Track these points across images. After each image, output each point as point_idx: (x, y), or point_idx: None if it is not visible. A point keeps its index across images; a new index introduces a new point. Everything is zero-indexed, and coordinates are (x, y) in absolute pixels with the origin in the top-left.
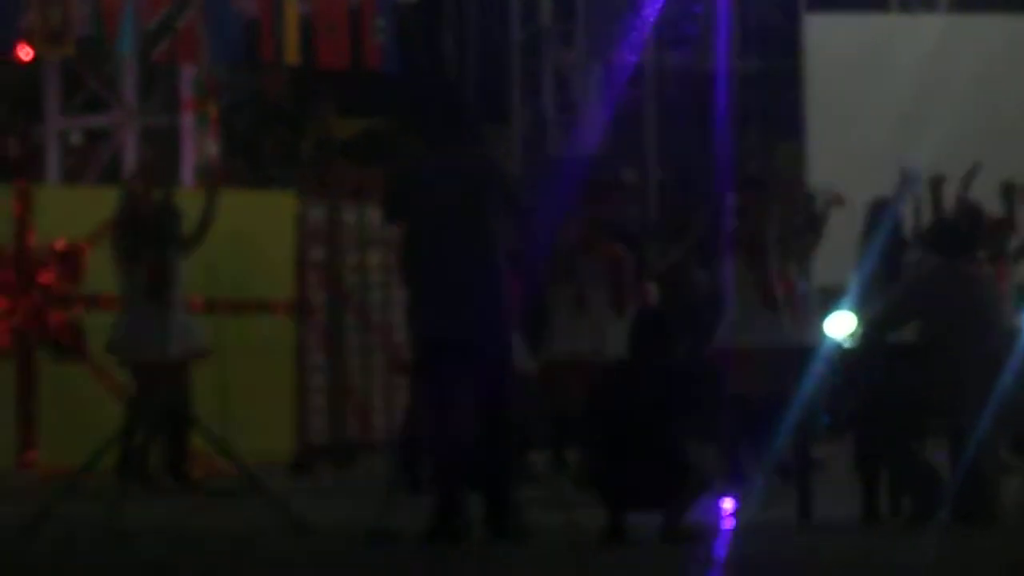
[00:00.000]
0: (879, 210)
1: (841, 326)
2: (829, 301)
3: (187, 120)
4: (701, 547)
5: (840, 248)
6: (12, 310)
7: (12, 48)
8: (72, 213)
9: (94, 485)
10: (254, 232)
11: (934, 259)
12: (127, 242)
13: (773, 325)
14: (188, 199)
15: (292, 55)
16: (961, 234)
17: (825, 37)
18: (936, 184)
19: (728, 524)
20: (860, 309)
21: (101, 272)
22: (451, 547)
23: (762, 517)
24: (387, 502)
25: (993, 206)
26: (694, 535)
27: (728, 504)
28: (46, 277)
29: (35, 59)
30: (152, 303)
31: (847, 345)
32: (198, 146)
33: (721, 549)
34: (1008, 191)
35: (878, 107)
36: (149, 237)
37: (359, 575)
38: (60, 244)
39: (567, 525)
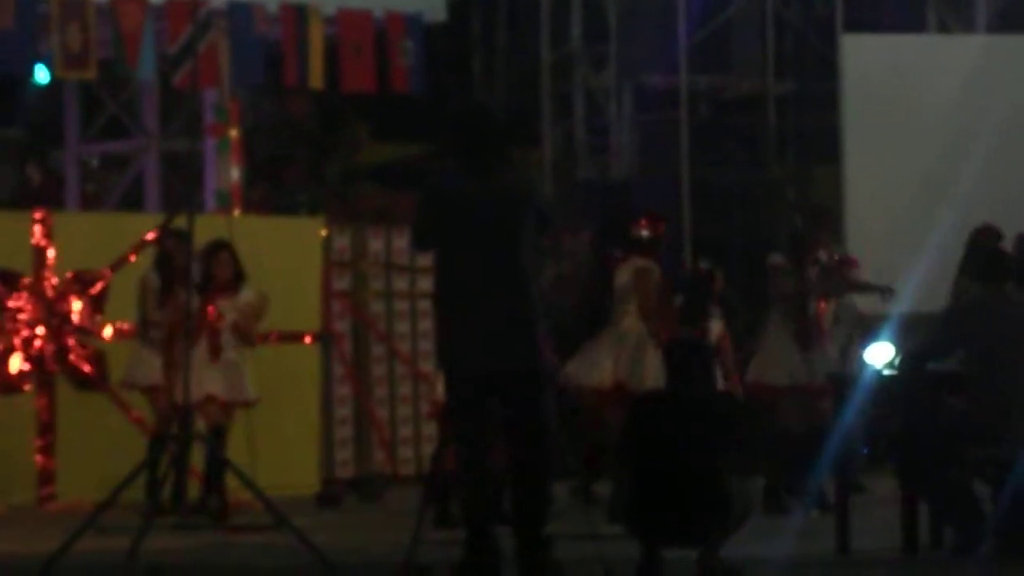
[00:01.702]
0: None
1: (881, 355)
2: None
3: (209, 145)
4: None
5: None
6: (31, 340)
7: (31, 71)
8: (93, 240)
9: (116, 520)
10: (280, 259)
11: (977, 286)
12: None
13: (807, 362)
14: (209, 223)
15: (316, 79)
16: (1003, 260)
17: (862, 58)
18: None
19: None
20: (900, 338)
21: (122, 301)
22: None
23: (801, 550)
24: (417, 536)
25: None
26: (732, 570)
27: None
28: (67, 306)
29: (54, 83)
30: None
31: (887, 374)
32: (220, 171)
33: None
34: None
35: (917, 129)
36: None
37: None
38: (82, 272)
39: (599, 560)
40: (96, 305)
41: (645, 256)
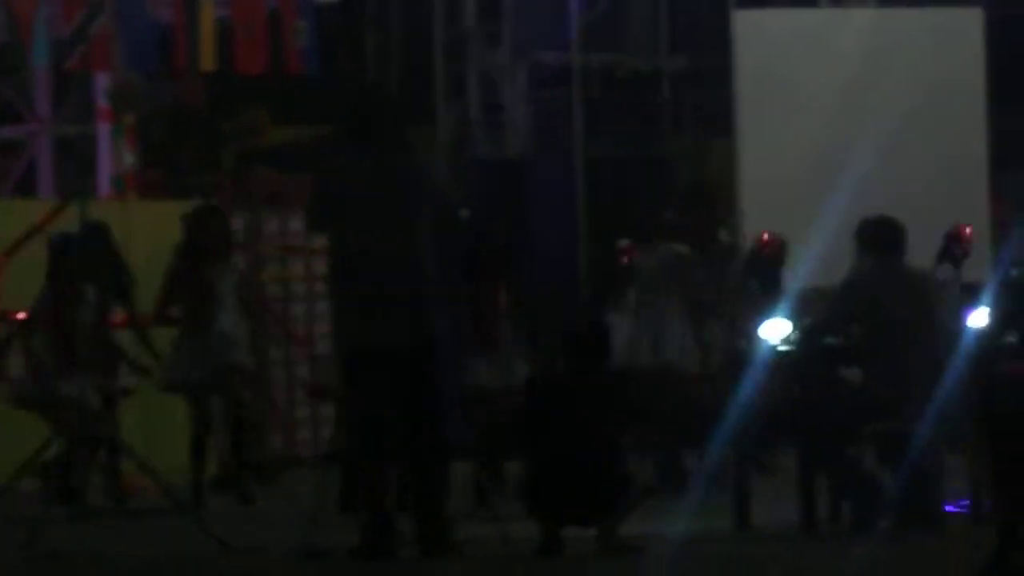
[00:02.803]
0: None
1: (777, 331)
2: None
3: (102, 130)
4: (638, 559)
5: None
6: None
7: None
8: None
9: (14, 507)
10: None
11: (869, 260)
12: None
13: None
14: (103, 209)
15: (208, 61)
16: (896, 231)
17: (755, 32)
18: None
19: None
20: (796, 314)
21: (18, 289)
22: (382, 565)
23: (700, 526)
24: (314, 519)
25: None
26: (632, 548)
27: None
28: None
29: None
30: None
31: (783, 350)
32: (114, 156)
33: (657, 561)
34: None
35: (812, 103)
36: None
37: None
38: None
39: (501, 540)
40: None
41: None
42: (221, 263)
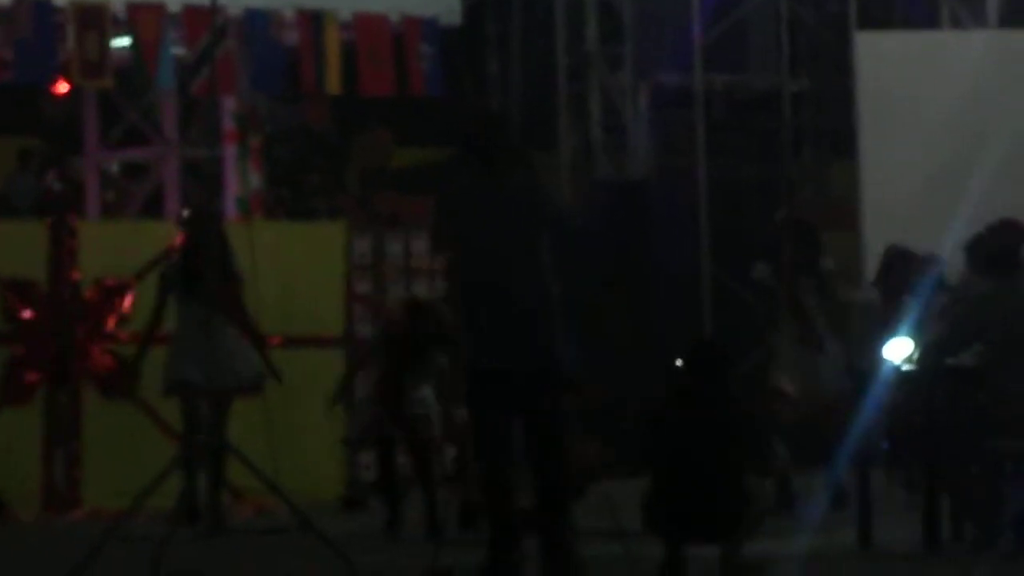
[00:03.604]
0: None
1: (899, 350)
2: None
3: (229, 152)
4: None
5: None
6: (43, 351)
7: (50, 80)
8: (116, 248)
9: (143, 527)
10: (302, 264)
11: (984, 280)
12: (183, 276)
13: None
14: (231, 230)
15: (334, 84)
16: (1012, 253)
17: (876, 54)
18: None
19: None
20: (918, 333)
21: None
22: None
23: (822, 545)
24: (441, 538)
25: None
26: (755, 567)
27: None
28: (94, 314)
29: (73, 91)
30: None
31: (905, 369)
32: (240, 177)
33: None
34: None
35: (932, 123)
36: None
37: None
38: (107, 281)
39: (625, 558)
40: (122, 313)
41: None
42: None
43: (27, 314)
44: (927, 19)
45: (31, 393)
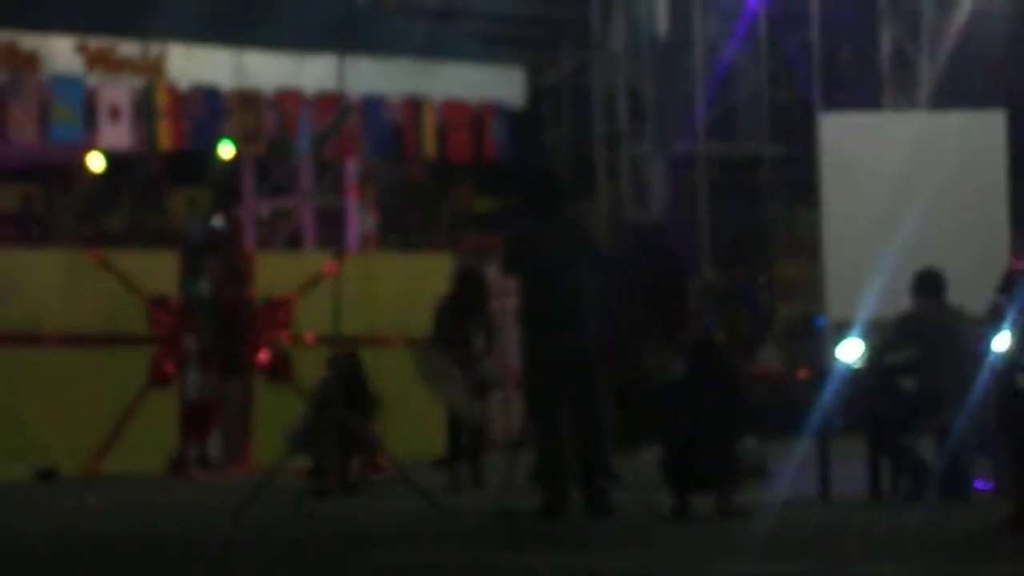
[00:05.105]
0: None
1: (852, 350)
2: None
3: (351, 201)
4: (749, 521)
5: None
6: (177, 349)
7: (217, 147)
8: (279, 272)
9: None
10: (417, 284)
11: (919, 299)
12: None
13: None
14: (353, 260)
15: (430, 151)
16: (937, 279)
17: (835, 127)
18: None
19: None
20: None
21: (304, 317)
22: (558, 522)
23: (791, 495)
24: (506, 489)
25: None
26: (742, 511)
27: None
28: (262, 321)
29: (235, 155)
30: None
31: (856, 365)
32: (360, 220)
33: (763, 521)
34: None
35: (877, 180)
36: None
37: (488, 541)
38: (275, 296)
39: (643, 505)
40: (286, 321)
41: None
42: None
43: (165, 321)
44: (873, 102)
45: (169, 380)
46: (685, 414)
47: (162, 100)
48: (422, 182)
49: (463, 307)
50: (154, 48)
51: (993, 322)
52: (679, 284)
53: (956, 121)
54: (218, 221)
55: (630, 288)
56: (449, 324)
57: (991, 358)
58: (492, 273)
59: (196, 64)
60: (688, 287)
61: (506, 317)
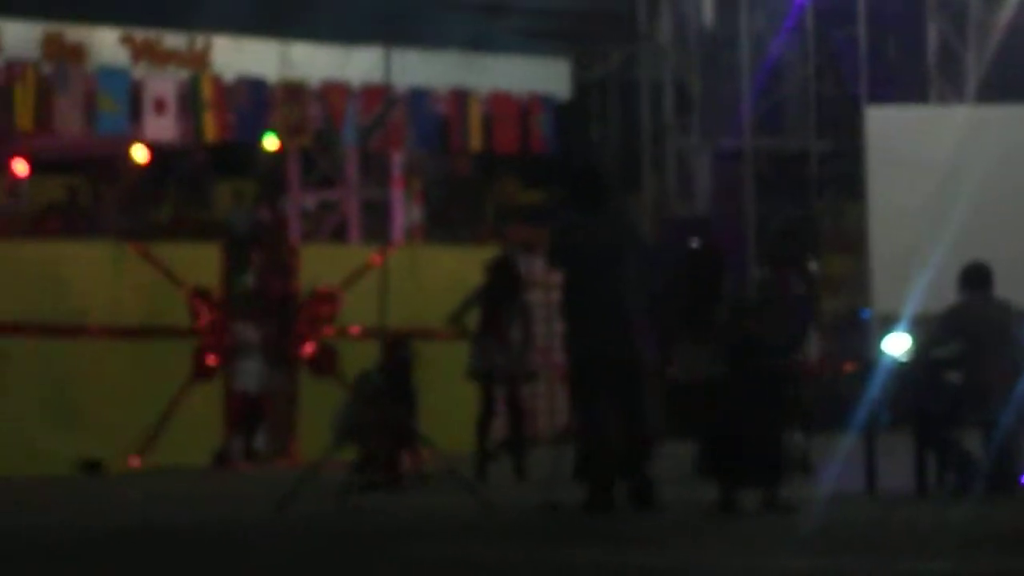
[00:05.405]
0: None
1: (899, 344)
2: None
3: (396, 194)
4: (795, 516)
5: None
6: (219, 342)
7: (262, 139)
8: (325, 265)
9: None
10: (458, 277)
11: (966, 293)
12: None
13: None
14: (399, 252)
15: (475, 143)
16: (984, 272)
17: (881, 122)
18: None
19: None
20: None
21: (350, 310)
22: (602, 515)
23: (837, 489)
24: (552, 482)
25: None
26: (788, 506)
27: None
28: (307, 314)
29: (280, 148)
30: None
31: (903, 359)
32: (405, 212)
33: (809, 516)
34: None
35: (923, 174)
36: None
37: (534, 535)
38: (320, 289)
39: (690, 500)
40: (331, 314)
41: None
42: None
43: (207, 314)
44: (920, 96)
45: (213, 373)
46: (729, 409)
47: (207, 92)
48: (468, 175)
49: (497, 296)
50: (199, 40)
51: None
52: (717, 279)
53: (1002, 114)
54: (264, 213)
55: (672, 283)
56: (484, 312)
57: None
58: (538, 266)
59: (242, 56)
60: (725, 282)
61: (549, 311)
